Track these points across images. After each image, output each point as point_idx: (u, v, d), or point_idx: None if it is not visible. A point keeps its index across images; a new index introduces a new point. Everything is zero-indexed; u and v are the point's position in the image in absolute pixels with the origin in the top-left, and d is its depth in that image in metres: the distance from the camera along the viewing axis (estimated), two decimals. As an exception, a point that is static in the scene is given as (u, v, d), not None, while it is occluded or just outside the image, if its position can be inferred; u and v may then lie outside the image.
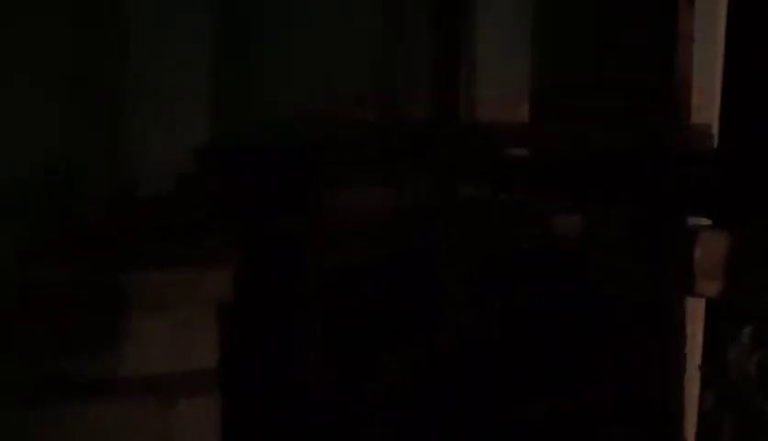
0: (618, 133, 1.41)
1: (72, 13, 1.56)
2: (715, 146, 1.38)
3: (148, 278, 1.36)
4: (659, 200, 1.15)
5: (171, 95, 2.03)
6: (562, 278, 2.18)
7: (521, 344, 2.09)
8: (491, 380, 1.99)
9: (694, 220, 1.31)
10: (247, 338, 1.46)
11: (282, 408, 1.66)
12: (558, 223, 2.23)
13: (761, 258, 0.73)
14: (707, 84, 1.55)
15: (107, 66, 1.90)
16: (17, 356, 1.27)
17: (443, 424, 1.85)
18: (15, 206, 1.34)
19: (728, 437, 0.80)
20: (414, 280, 1.96)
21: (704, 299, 1.15)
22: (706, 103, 1.53)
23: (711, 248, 0.76)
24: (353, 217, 1.98)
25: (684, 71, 1.34)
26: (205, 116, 2.11)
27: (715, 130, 1.51)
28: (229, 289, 1.42)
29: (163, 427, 1.36)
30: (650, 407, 1.46)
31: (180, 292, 1.36)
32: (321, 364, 1.79)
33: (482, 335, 2.05)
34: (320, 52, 2.13)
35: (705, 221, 1.26)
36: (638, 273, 1.63)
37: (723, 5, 1.48)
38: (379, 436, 1.88)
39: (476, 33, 1.82)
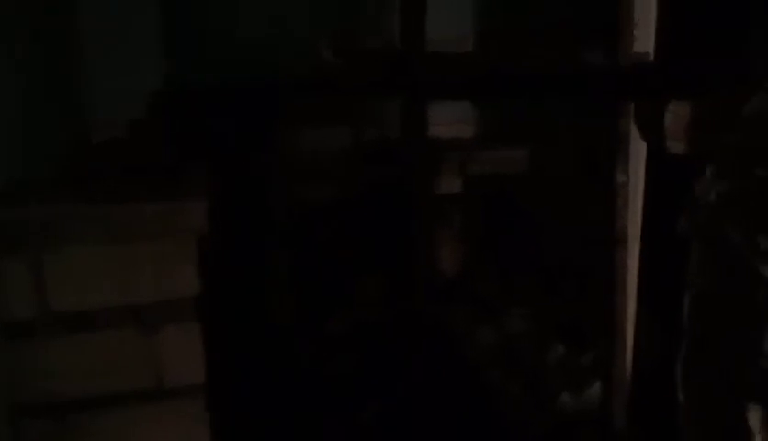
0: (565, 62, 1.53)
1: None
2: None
3: (128, 211, 1.39)
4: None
5: (129, 38, 2.03)
6: (510, 213, 2.31)
7: (481, 270, 2.22)
8: (454, 310, 2.11)
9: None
10: (224, 268, 1.52)
11: (256, 332, 1.75)
12: (504, 162, 2.36)
13: (716, 121, 0.90)
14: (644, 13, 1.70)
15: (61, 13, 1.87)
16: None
17: (412, 357, 1.97)
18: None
19: (696, 260, 0.96)
20: (380, 215, 2.04)
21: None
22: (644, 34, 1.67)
23: (678, 115, 0.91)
24: (315, 153, 2.04)
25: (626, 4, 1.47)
26: (162, 60, 2.12)
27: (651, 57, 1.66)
28: (204, 223, 1.46)
29: (147, 354, 1.42)
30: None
31: (160, 224, 1.41)
32: (292, 292, 1.87)
33: (447, 269, 2.17)
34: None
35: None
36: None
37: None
38: (347, 363, 1.99)
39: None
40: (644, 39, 1.67)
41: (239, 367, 1.62)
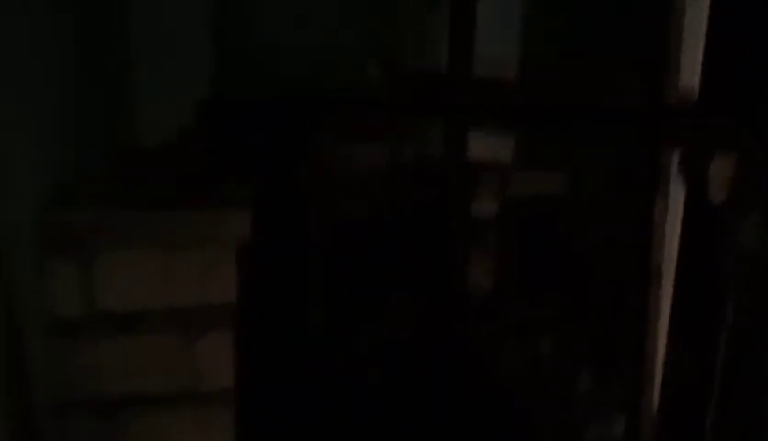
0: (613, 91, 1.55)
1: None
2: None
3: (174, 218, 1.45)
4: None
5: (176, 49, 2.10)
6: (546, 236, 2.32)
7: (514, 293, 2.23)
8: (486, 332, 2.13)
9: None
10: (262, 278, 1.56)
11: (292, 340, 1.79)
12: (542, 183, 2.37)
13: (755, 174, 0.92)
14: (692, 48, 1.70)
15: (111, 23, 1.94)
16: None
17: (438, 374, 1.99)
18: (36, 155, 1.39)
19: (735, 304, 0.98)
20: (415, 233, 2.07)
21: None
22: (691, 64, 1.68)
23: (720, 167, 0.93)
24: (355, 170, 2.08)
25: (675, 39, 1.47)
26: (208, 70, 2.18)
27: (697, 88, 1.67)
28: (246, 232, 1.50)
29: (188, 358, 1.47)
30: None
31: (204, 232, 1.46)
32: (326, 304, 1.91)
33: (479, 289, 2.19)
34: (323, 8, 2.20)
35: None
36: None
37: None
38: (377, 379, 2.01)
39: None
40: (690, 70, 1.68)
41: (273, 376, 1.66)
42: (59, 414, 1.36)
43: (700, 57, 1.65)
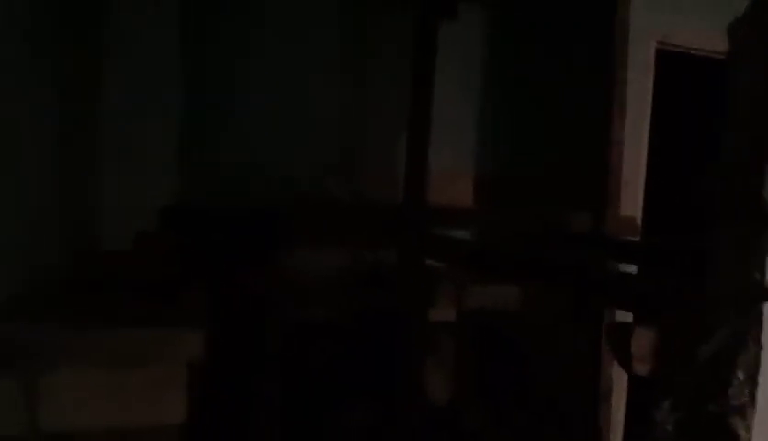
0: (555, 222, 1.62)
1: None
2: (639, 236, 1.61)
3: (124, 336, 1.44)
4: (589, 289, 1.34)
5: (140, 157, 2.13)
6: (501, 349, 2.35)
7: (469, 403, 2.23)
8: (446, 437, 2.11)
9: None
10: (216, 394, 1.54)
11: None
12: (497, 297, 2.41)
13: (677, 345, 0.95)
14: (632, 179, 1.80)
15: (78, 131, 1.96)
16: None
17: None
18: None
19: None
20: (373, 339, 2.07)
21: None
22: (632, 195, 1.77)
23: (643, 337, 0.96)
24: (314, 277, 2.10)
25: (616, 171, 1.55)
26: (171, 178, 2.21)
27: (639, 220, 1.75)
28: (200, 347, 1.49)
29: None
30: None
31: (154, 351, 1.45)
32: (284, 419, 1.87)
33: (435, 394, 2.19)
34: (287, 123, 2.28)
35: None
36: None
37: (647, 117, 1.73)
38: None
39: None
40: (632, 200, 1.78)
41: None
42: None
43: (642, 189, 1.75)
